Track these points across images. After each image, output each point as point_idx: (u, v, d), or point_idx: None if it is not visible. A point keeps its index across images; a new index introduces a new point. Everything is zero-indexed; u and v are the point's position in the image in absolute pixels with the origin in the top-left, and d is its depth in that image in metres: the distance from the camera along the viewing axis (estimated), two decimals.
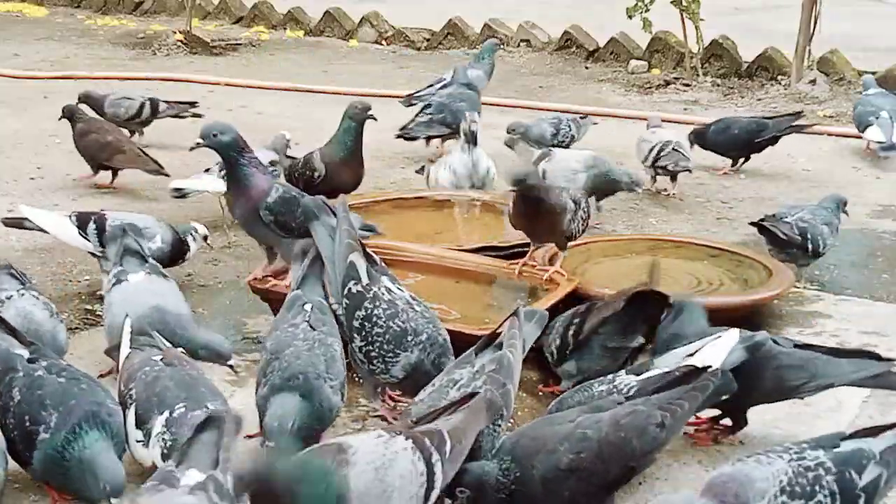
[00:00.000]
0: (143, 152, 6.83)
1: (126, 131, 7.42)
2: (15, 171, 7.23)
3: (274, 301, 4.77)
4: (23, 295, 4.24)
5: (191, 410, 3.50)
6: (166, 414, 3.52)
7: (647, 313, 4.15)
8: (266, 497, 2.85)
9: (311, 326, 3.89)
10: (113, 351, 4.11)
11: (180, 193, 6.16)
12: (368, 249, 4.12)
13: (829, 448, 3.08)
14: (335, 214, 4.16)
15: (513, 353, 3.66)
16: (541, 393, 4.39)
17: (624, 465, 3.30)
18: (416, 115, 7.74)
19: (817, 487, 2.96)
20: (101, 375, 4.24)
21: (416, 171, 6.75)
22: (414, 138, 7.69)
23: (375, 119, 6.25)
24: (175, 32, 12.00)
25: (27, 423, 3.44)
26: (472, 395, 3.39)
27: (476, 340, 3.87)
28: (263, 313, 4.90)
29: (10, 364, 3.60)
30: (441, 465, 3.09)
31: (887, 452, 3.08)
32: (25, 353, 3.67)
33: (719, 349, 3.83)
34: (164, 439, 3.47)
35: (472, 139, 6.26)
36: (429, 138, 7.74)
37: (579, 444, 3.27)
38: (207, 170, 6.21)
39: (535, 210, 4.84)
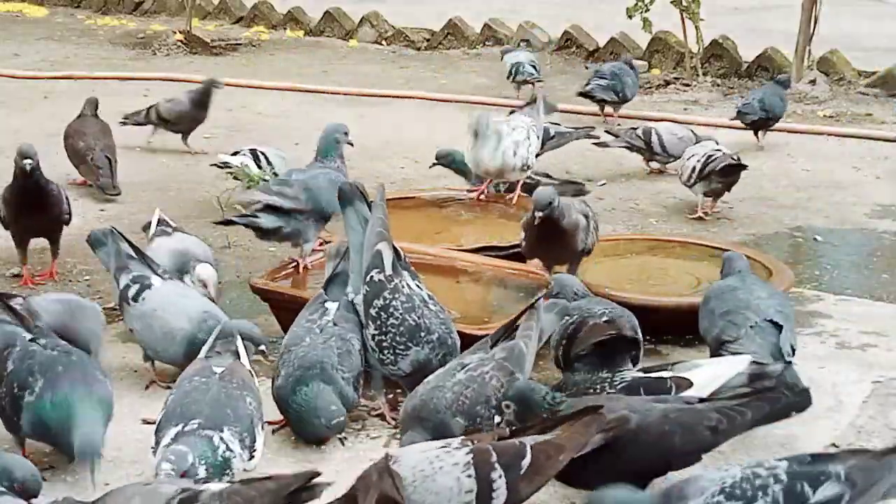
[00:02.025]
0: (110, 164, 6.71)
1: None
2: None
3: (273, 301, 4.78)
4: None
5: (203, 429, 3.40)
6: (179, 427, 3.44)
7: (619, 352, 4.05)
8: None
9: (333, 322, 3.98)
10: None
11: (224, 165, 6.54)
12: (396, 244, 4.15)
13: (796, 463, 3.02)
14: (369, 206, 4.21)
15: (526, 343, 3.71)
16: None
17: (658, 457, 3.28)
18: (591, 80, 8.64)
19: (760, 493, 2.91)
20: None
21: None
22: (594, 98, 8.62)
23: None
24: (175, 32, 12.00)
25: (15, 389, 3.63)
26: (595, 408, 3.30)
27: (476, 340, 3.88)
28: (263, 313, 4.90)
29: (11, 341, 3.79)
30: (504, 481, 3.06)
31: (854, 472, 2.98)
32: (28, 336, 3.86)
33: (722, 371, 3.82)
34: (164, 452, 3.38)
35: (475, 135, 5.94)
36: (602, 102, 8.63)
37: (617, 421, 3.27)
38: (236, 153, 6.60)
39: (554, 233, 4.73)
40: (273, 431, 3.93)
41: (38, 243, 5.52)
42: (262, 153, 6.54)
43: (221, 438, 3.40)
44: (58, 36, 12.64)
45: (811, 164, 7.74)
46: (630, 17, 10.08)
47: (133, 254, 4.44)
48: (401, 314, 3.98)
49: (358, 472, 3.58)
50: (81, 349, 3.89)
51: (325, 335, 3.94)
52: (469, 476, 3.03)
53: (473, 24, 12.18)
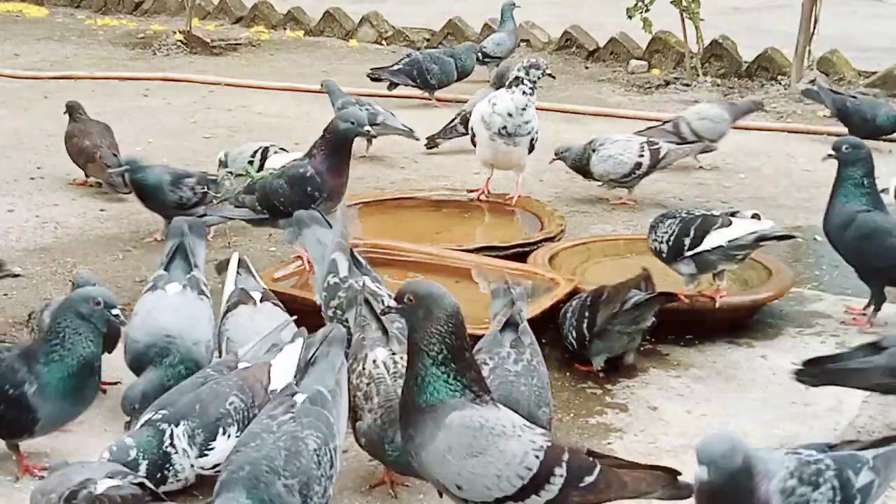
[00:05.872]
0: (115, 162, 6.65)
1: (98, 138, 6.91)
2: (15, 171, 7.22)
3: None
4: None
5: (163, 421, 3.45)
6: (151, 414, 3.50)
7: (651, 306, 4.39)
8: None
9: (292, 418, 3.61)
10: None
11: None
12: (356, 251, 4.31)
13: (820, 450, 3.13)
14: (330, 225, 4.45)
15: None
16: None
17: None
18: None
19: (821, 479, 3.01)
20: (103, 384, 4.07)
21: None
22: None
23: None
24: (175, 32, 12.00)
25: (10, 390, 3.55)
26: (675, 472, 3.20)
27: (476, 340, 3.89)
28: None
29: None
30: (561, 482, 3.06)
31: (877, 460, 3.13)
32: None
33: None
34: (115, 442, 3.45)
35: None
36: None
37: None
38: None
39: None
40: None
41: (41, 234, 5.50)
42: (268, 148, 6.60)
43: (171, 433, 3.43)
44: (58, 36, 12.64)
45: (811, 164, 7.73)
46: (630, 17, 10.07)
47: (188, 255, 4.28)
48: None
49: (356, 473, 3.59)
50: None
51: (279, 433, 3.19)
52: (536, 457, 3.05)
53: (473, 23, 12.17)
